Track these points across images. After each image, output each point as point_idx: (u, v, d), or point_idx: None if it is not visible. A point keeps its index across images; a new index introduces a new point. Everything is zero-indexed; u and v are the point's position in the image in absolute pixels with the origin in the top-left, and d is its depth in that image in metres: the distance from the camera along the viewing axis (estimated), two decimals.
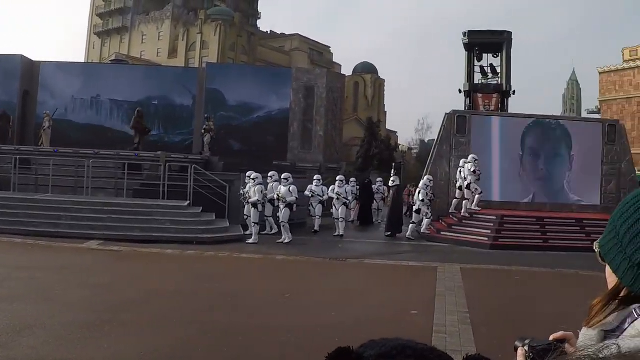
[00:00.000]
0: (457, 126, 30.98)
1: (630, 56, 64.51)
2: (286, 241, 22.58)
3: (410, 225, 26.77)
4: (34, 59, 40.68)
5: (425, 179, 27.32)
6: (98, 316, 10.59)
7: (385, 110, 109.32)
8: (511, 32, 38.44)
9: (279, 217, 23.49)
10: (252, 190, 23.12)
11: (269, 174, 23.86)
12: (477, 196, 26.69)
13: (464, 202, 26.85)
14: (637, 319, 1.49)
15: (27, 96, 39.72)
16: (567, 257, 19.78)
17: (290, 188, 23.46)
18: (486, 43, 38.76)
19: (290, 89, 39.52)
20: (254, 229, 22.79)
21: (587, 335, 1.64)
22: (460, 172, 27.12)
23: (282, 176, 23.81)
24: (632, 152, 34.84)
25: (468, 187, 26.48)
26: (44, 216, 22.46)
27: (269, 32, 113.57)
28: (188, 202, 24.63)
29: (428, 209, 26.55)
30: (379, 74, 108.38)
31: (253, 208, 23.00)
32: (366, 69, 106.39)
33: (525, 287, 15.76)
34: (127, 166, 26.61)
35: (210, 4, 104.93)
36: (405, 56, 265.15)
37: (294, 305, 12.25)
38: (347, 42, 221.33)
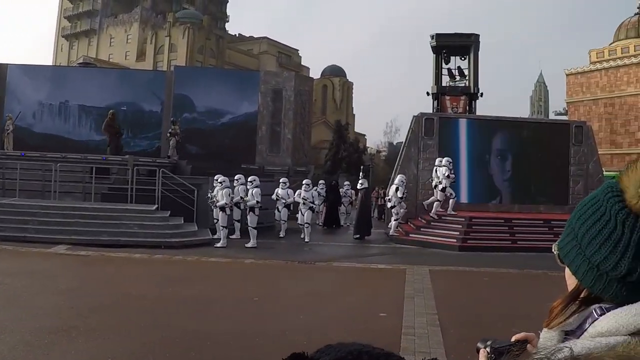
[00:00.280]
0: (424, 128, 31.12)
1: (597, 58, 65.24)
2: (253, 245, 22.50)
3: (392, 222, 26.89)
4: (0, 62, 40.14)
5: (400, 176, 27.41)
6: (65, 322, 10.46)
7: (354, 113, 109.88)
8: (478, 35, 38.70)
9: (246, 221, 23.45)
10: (219, 193, 23.03)
11: (235, 177, 23.74)
12: (451, 200, 26.80)
13: (434, 203, 26.95)
14: (597, 319, 1.47)
15: None
16: (536, 257, 19.85)
17: (253, 191, 23.43)
18: (454, 46, 38.98)
19: (259, 92, 39.41)
20: (222, 233, 22.69)
21: (547, 336, 1.62)
22: (436, 170, 27.18)
23: (249, 179, 23.74)
24: (599, 153, 35.26)
25: (443, 190, 26.56)
26: (10, 221, 22.12)
27: (237, 35, 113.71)
28: (156, 206, 24.46)
29: (400, 208, 26.68)
30: (347, 77, 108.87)
31: (221, 212, 22.91)
32: (334, 72, 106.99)
33: (493, 288, 15.81)
34: (94, 170, 26.34)
35: (179, 7, 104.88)
36: (374, 59, 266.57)
37: (262, 309, 12.15)
38: (316, 45, 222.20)
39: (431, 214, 26.83)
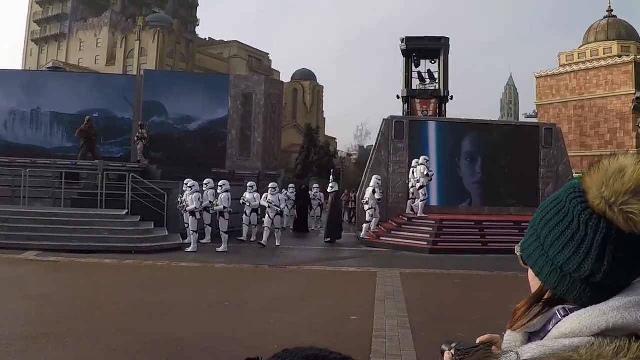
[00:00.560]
0: (394, 132, 31.21)
1: (567, 61, 65.98)
2: (224, 249, 22.43)
3: (373, 220, 26.96)
4: None
5: (375, 177, 27.47)
6: (35, 328, 10.35)
7: (324, 116, 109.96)
8: (448, 38, 38.96)
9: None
10: (189, 198, 22.93)
11: (204, 182, 23.67)
12: (420, 203, 26.86)
13: (420, 204, 27.01)
14: (560, 320, 1.46)
15: None
16: (506, 259, 19.84)
17: (222, 196, 23.37)
18: (424, 49, 39.20)
19: (229, 96, 39.29)
20: (192, 238, 22.59)
21: (510, 338, 1.61)
22: (413, 172, 27.24)
23: (219, 183, 23.66)
24: (569, 155, 35.59)
25: (422, 187, 26.64)
26: None
27: (207, 39, 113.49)
28: (126, 211, 24.28)
29: (374, 211, 26.77)
30: (318, 81, 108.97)
31: (191, 216, 22.81)
32: (305, 76, 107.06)
33: (464, 290, 15.86)
34: (64, 175, 26.14)
35: (149, 11, 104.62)
36: (345, 63, 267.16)
37: (233, 314, 12.11)
38: (286, 49, 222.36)
39: (419, 214, 26.83)
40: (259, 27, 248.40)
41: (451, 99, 39.36)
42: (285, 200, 29.94)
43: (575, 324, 1.42)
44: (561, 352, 1.38)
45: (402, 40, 38.78)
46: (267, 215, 24.50)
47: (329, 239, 26.73)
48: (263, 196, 24.98)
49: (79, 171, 28.55)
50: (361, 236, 27.07)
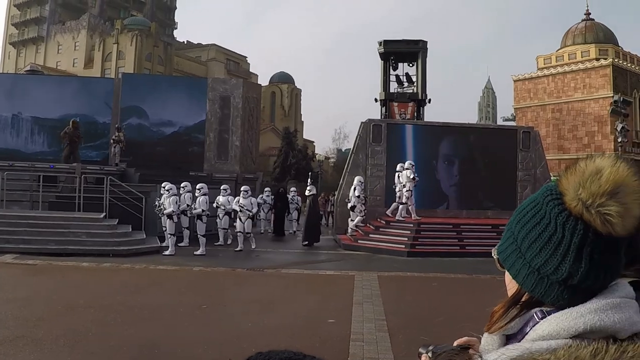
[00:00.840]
0: (372, 135, 31.26)
1: (545, 64, 66.31)
2: (202, 253, 22.38)
3: (350, 222, 27.04)
4: None
5: (358, 178, 27.61)
6: (12, 332, 10.33)
7: (302, 119, 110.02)
8: (426, 42, 39.09)
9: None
10: (166, 201, 22.86)
11: (181, 185, 23.63)
12: (400, 206, 26.93)
13: (400, 206, 27.07)
14: (538, 322, 1.46)
15: None
16: (484, 262, 19.89)
17: (200, 199, 23.41)
18: (402, 52, 39.33)
19: (207, 99, 39.21)
20: (169, 241, 22.51)
21: (488, 340, 1.61)
22: (398, 176, 27.26)
23: (197, 186, 23.62)
24: (547, 158, 35.79)
25: (408, 191, 26.70)
26: None
27: (185, 42, 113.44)
28: (104, 214, 24.21)
29: (362, 206, 26.89)
30: (296, 84, 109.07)
31: (168, 219, 22.74)
32: (283, 79, 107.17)
33: (442, 293, 15.92)
34: (42, 178, 25.98)
35: (127, 14, 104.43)
36: (323, 66, 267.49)
37: (210, 317, 12.06)
38: (265, 52, 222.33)
39: (397, 217, 26.87)
40: (237, 30, 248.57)
41: (429, 101, 39.54)
42: (261, 204, 29.82)
43: (552, 326, 1.42)
44: (538, 354, 1.38)
45: (380, 44, 38.89)
46: (238, 219, 24.33)
47: (306, 242, 26.71)
48: (235, 199, 24.79)
49: (56, 174, 28.39)
50: (353, 227, 27.27)
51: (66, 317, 11.75)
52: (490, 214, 30.10)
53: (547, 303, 1.49)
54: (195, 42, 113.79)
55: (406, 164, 27.02)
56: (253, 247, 24.41)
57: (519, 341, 1.48)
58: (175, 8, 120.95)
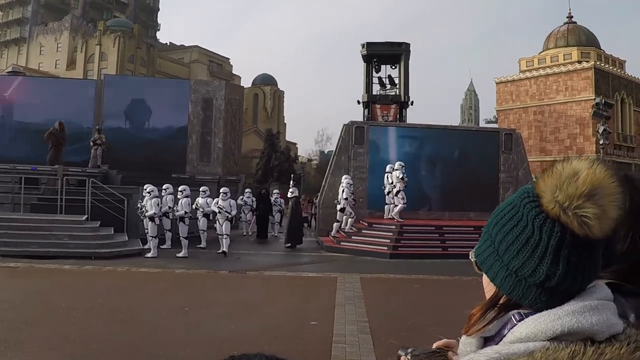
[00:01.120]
0: (355, 137, 31.30)
1: (527, 66, 66.69)
2: (184, 255, 22.33)
3: (335, 224, 27.07)
4: None
5: (346, 179, 27.58)
6: None
7: (285, 121, 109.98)
8: (409, 44, 39.17)
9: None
10: (148, 203, 22.79)
11: (163, 187, 23.56)
12: (400, 207, 26.94)
13: (391, 207, 27.09)
14: (515, 324, 1.46)
15: None
16: (466, 264, 19.47)
17: (182, 201, 23.43)
18: (384, 54, 39.39)
19: (189, 101, 39.12)
20: (152, 243, 22.43)
21: (466, 343, 1.61)
22: (388, 177, 27.27)
23: (179, 189, 23.56)
24: (529, 160, 35.97)
25: (398, 193, 26.68)
26: None
27: (168, 44, 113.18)
28: (86, 216, 24.09)
29: (351, 207, 26.92)
30: (279, 86, 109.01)
31: (150, 222, 22.66)
32: (265, 81, 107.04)
33: (424, 295, 15.94)
34: (23, 180, 25.84)
35: (110, 15, 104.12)
36: (306, 68, 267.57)
37: (192, 319, 12.02)
38: (247, 54, 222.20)
39: (397, 219, 26.87)
40: (220, 32, 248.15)
41: (412, 104, 39.62)
42: (242, 205, 29.69)
43: (530, 329, 1.42)
44: (516, 356, 1.38)
45: (362, 46, 38.94)
46: (217, 222, 24.17)
47: (289, 244, 26.72)
48: (214, 201, 24.64)
49: (38, 176, 28.25)
50: (346, 229, 27.28)
51: (48, 319, 11.70)
52: (473, 215, 30.16)
53: (524, 305, 1.49)
54: (178, 44, 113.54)
55: (396, 165, 27.07)
56: (224, 249, 23.78)
57: (497, 343, 1.48)
58: (158, 10, 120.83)
